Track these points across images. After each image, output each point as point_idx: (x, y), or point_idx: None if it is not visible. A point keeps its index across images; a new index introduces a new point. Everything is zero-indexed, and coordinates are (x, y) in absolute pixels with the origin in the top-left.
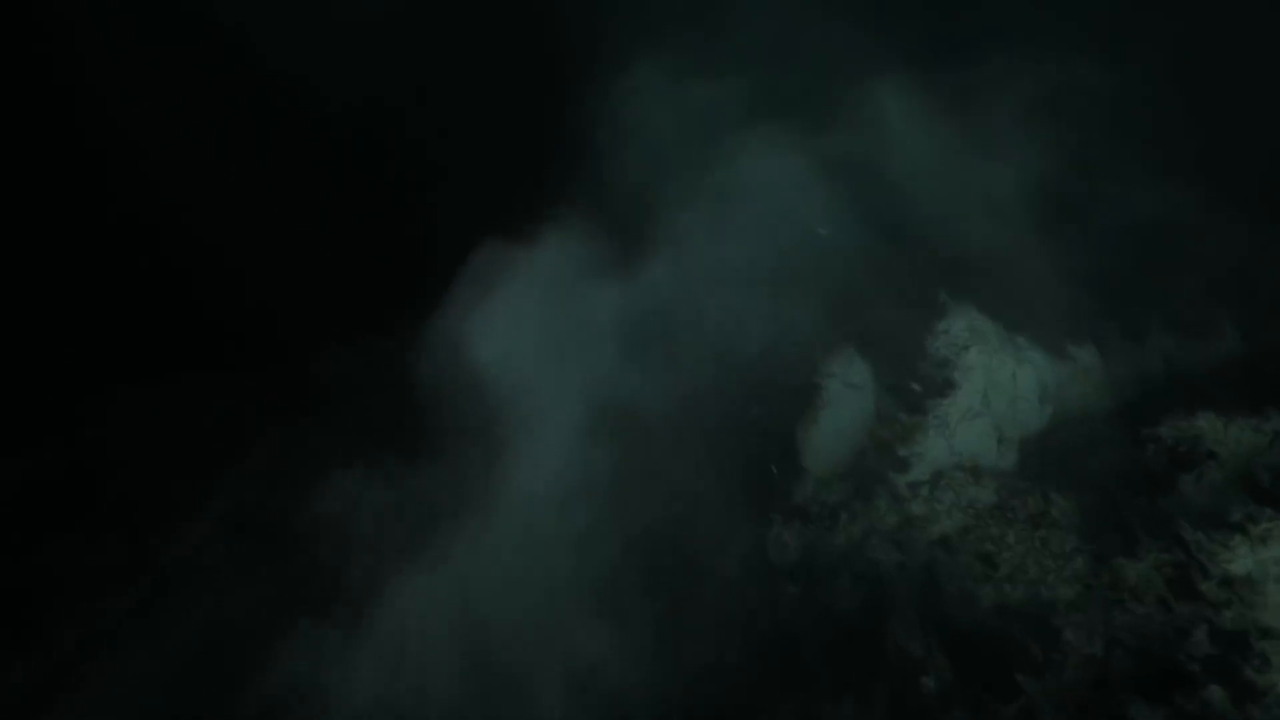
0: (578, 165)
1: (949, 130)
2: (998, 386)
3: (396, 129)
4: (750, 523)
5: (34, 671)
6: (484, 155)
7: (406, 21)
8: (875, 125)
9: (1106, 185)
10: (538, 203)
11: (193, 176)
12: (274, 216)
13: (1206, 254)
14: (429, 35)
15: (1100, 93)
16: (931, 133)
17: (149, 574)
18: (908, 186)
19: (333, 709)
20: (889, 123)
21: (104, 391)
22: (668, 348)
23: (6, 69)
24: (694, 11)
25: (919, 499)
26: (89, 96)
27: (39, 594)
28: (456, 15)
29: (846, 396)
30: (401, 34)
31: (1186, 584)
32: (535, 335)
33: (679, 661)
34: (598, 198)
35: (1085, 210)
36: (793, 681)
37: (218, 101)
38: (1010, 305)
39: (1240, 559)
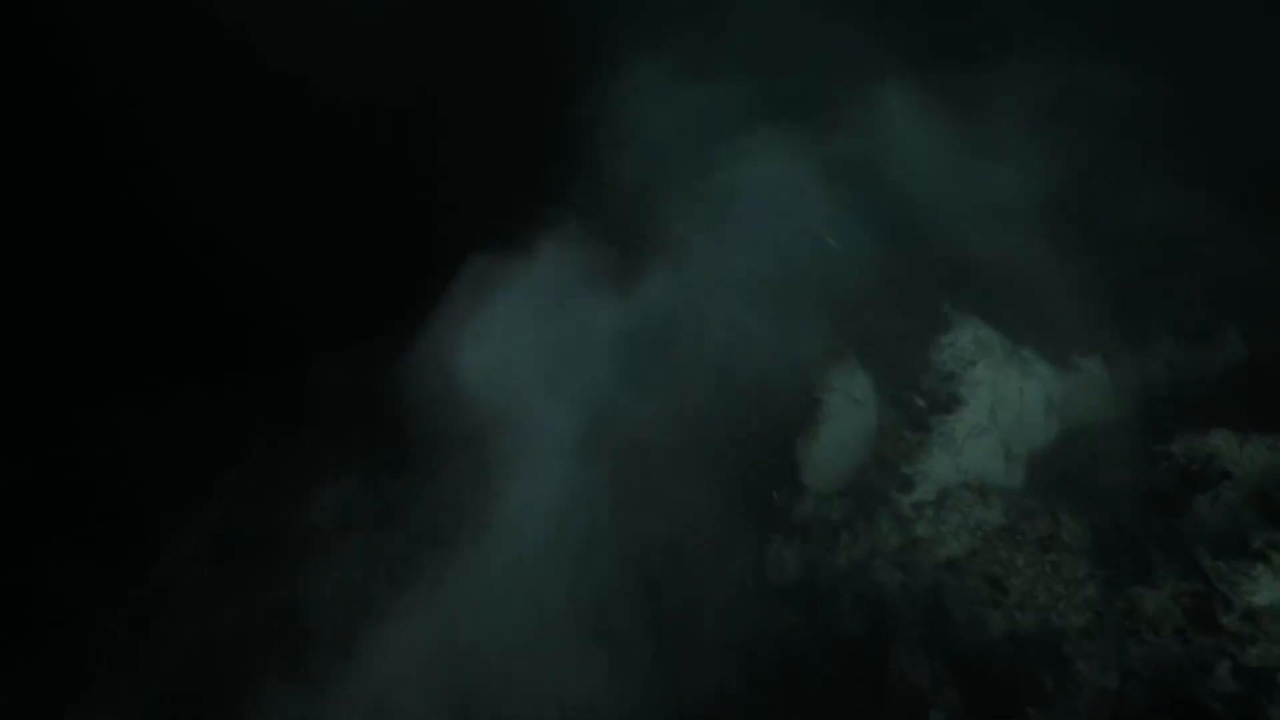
0: (575, 169)
1: (954, 134)
2: (1004, 401)
3: (391, 131)
4: (749, 541)
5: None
6: (480, 159)
7: (402, 21)
8: (879, 129)
9: (1113, 190)
10: (535, 207)
11: (184, 180)
12: (264, 219)
13: (1210, 260)
14: (425, 35)
15: (1108, 96)
16: (936, 137)
17: (129, 597)
18: (911, 192)
19: None
20: (893, 126)
21: (84, 402)
22: (665, 359)
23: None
24: (695, 11)
25: (924, 520)
26: (79, 98)
27: (7, 622)
28: (453, 15)
29: (848, 411)
30: (397, 33)
31: (1207, 616)
32: (530, 345)
33: (677, 692)
34: (596, 202)
35: (1090, 216)
36: (794, 714)
37: (210, 106)
38: (1015, 315)
39: (1264, 590)
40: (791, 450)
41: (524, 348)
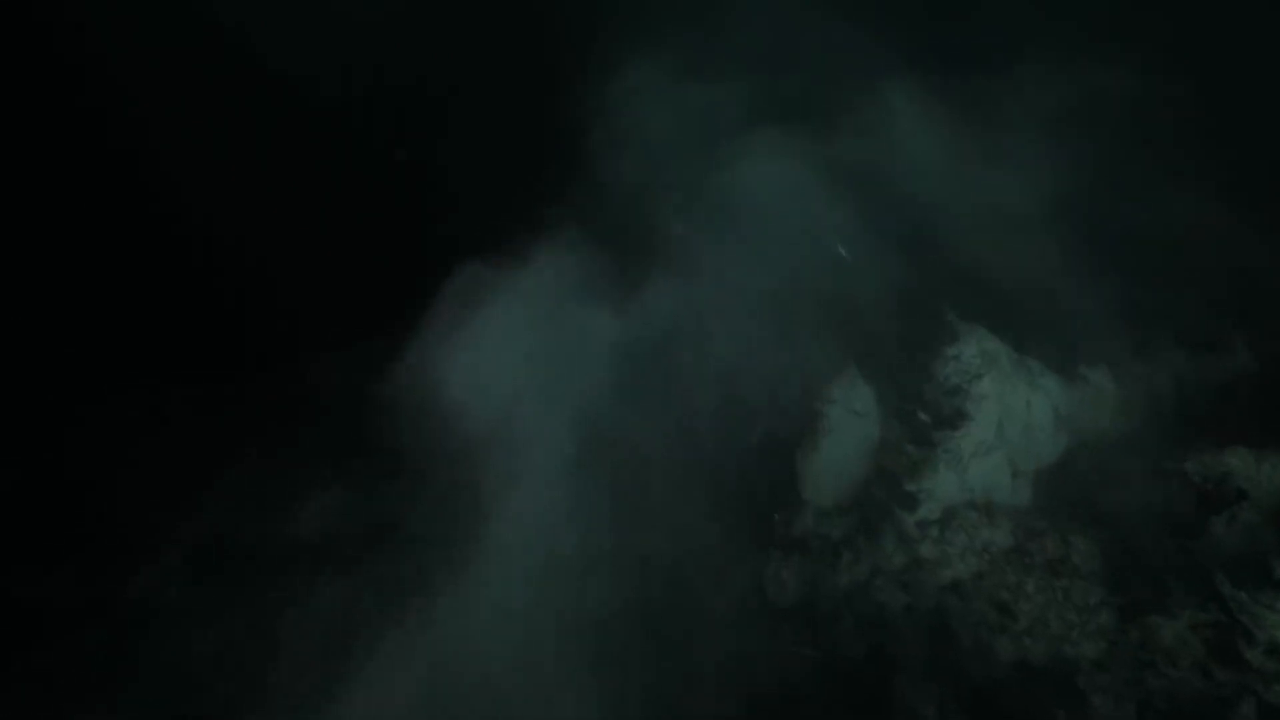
0: (573, 170)
1: (960, 138)
2: (1012, 416)
3: (384, 130)
4: (748, 558)
5: None
6: (476, 159)
7: (397, 17)
8: (884, 131)
9: (1120, 196)
10: (532, 209)
11: (175, 179)
12: (253, 217)
13: (1216, 267)
14: (420, 33)
15: (1118, 100)
16: (942, 140)
17: (104, 615)
18: (916, 197)
19: None
20: (898, 129)
21: (60, 408)
22: (662, 368)
23: None
24: (695, 9)
25: (929, 540)
26: (66, 99)
27: None
28: (449, 12)
29: (849, 424)
30: (391, 31)
31: (1229, 649)
32: (524, 352)
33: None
34: (593, 205)
35: (1096, 222)
36: None
37: (202, 107)
38: (1021, 324)
39: None
40: (791, 464)
41: (517, 355)
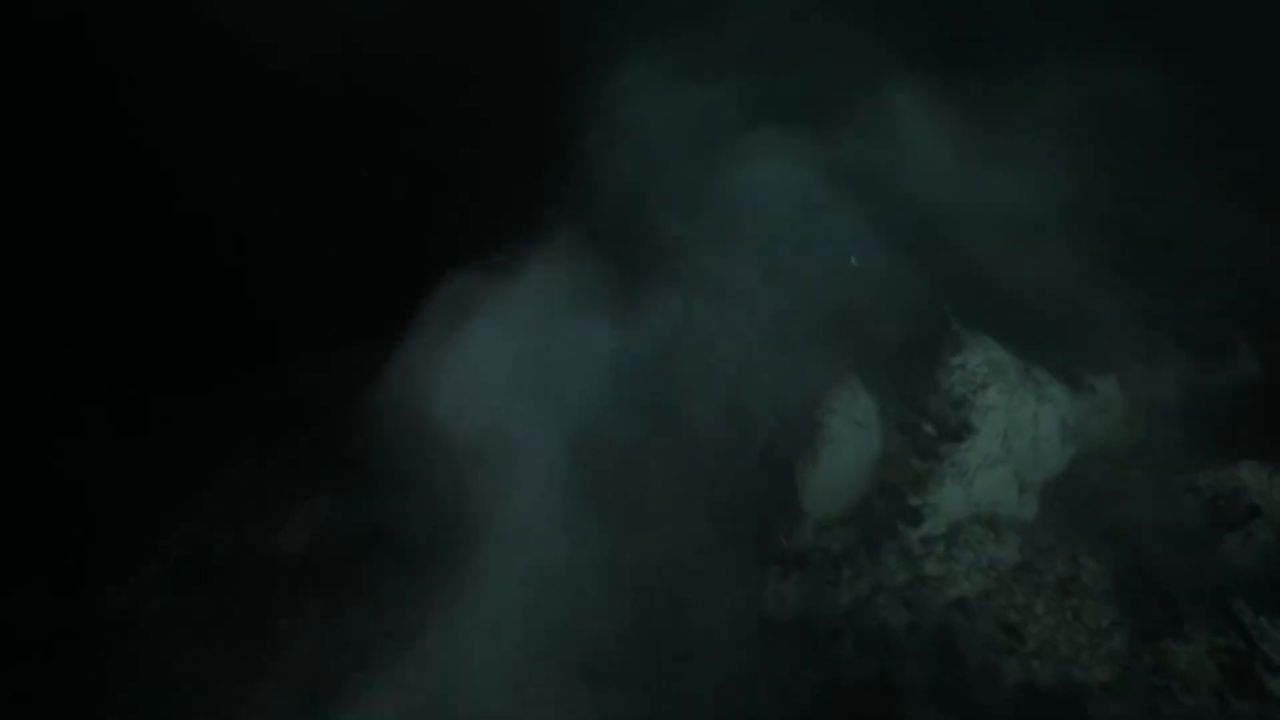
0: (567, 173)
1: (968, 141)
2: (1018, 428)
3: (375, 132)
4: (746, 572)
5: None
6: (470, 160)
7: (389, 16)
8: (888, 133)
9: (1127, 200)
10: (528, 211)
11: (156, 182)
12: (239, 223)
13: (1220, 272)
14: (414, 32)
15: (1128, 105)
16: (949, 143)
17: (85, 630)
18: (921, 201)
19: None
20: (903, 131)
21: (36, 415)
22: (660, 377)
23: None
24: (695, 7)
25: (933, 556)
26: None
27: None
28: (444, 10)
29: (850, 435)
30: (384, 29)
31: (1247, 677)
32: (518, 359)
33: None
34: (588, 208)
35: (1102, 227)
36: None
37: (193, 109)
38: (1027, 333)
39: None
40: (790, 475)
41: (510, 363)
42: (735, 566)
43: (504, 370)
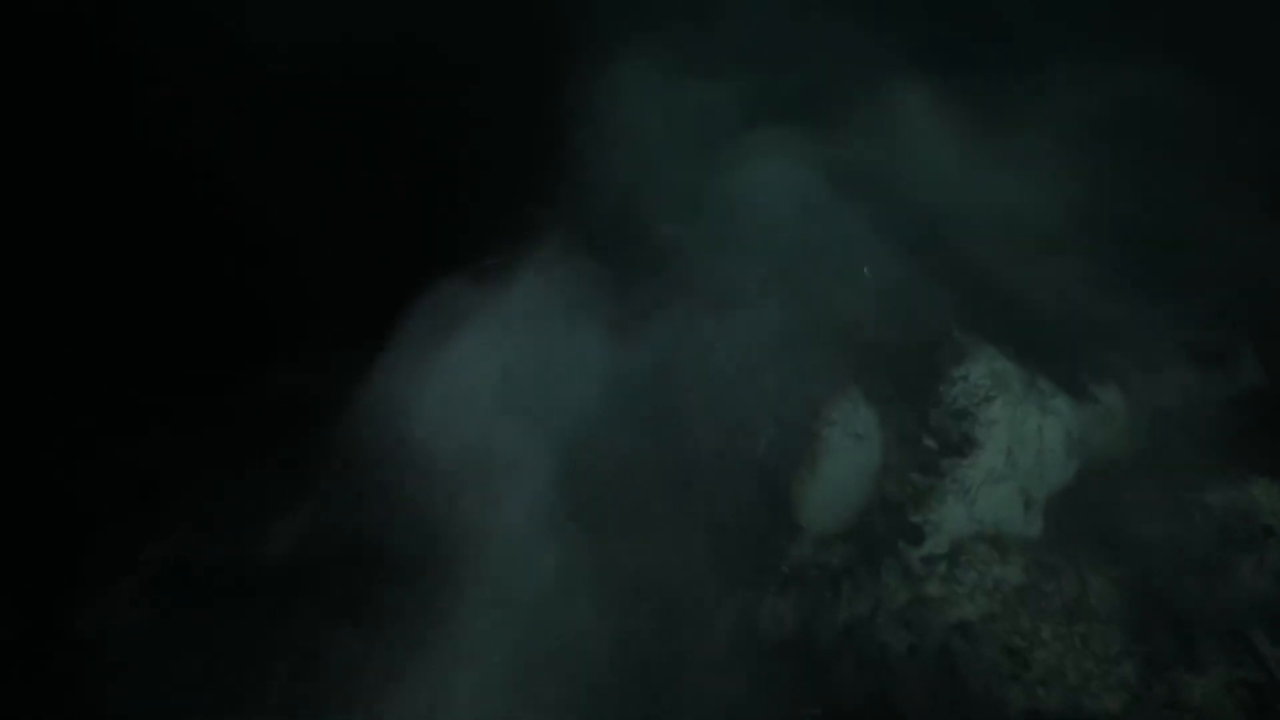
0: (560, 173)
1: (972, 144)
2: (1022, 442)
3: (368, 131)
4: (741, 589)
5: None
6: (463, 160)
7: (382, 14)
8: (892, 136)
9: (1131, 205)
10: (519, 213)
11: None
12: (224, 227)
13: (1226, 276)
14: (406, 31)
15: (1135, 110)
16: (952, 146)
17: (55, 650)
18: (923, 205)
19: None
20: (907, 134)
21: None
22: (651, 385)
23: None
24: (695, 3)
25: (935, 577)
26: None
27: None
28: (437, 8)
29: (849, 447)
30: (377, 27)
31: (1268, 713)
32: (507, 368)
33: None
34: (582, 210)
35: (1107, 231)
36: None
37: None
38: (1030, 341)
39: None
40: (787, 488)
41: (501, 369)
42: (730, 583)
43: (494, 378)
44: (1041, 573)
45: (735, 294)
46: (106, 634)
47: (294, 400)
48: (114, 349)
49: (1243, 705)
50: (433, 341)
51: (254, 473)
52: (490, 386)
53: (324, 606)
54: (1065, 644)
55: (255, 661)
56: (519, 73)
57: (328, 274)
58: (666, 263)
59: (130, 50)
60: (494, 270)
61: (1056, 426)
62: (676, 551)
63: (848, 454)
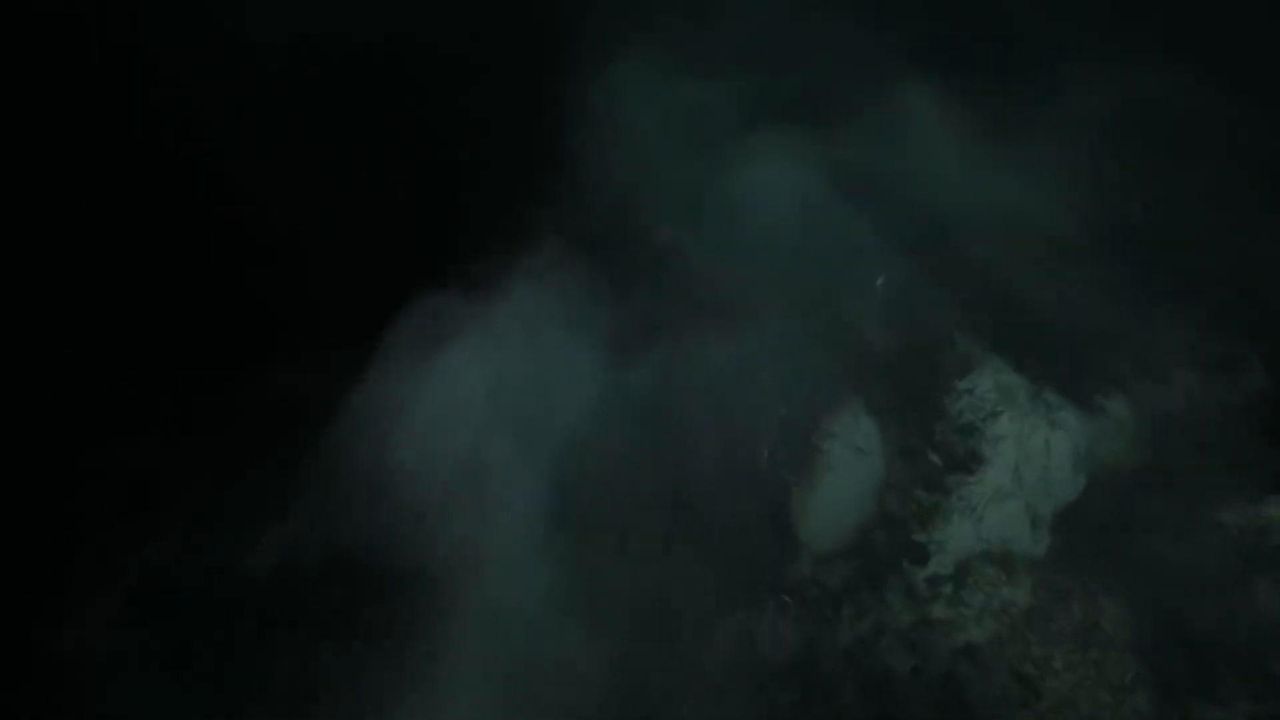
0: (556, 176)
1: (977, 147)
2: (1030, 458)
3: (360, 131)
4: (739, 608)
5: None
6: (457, 162)
7: (376, 12)
8: (896, 137)
9: (1137, 209)
10: (512, 216)
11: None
12: (208, 230)
13: (1227, 279)
14: (400, 29)
15: (1141, 110)
16: (957, 149)
17: (27, 672)
18: (927, 210)
19: None
20: (911, 135)
21: None
22: (646, 397)
23: None
24: (695, 4)
25: (941, 599)
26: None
27: None
28: (432, 7)
29: (851, 462)
30: (370, 25)
31: None
32: (499, 380)
33: None
34: (579, 213)
35: (1111, 236)
36: None
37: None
38: (1035, 350)
39: None
40: (787, 504)
41: (494, 379)
42: (728, 602)
43: (487, 388)
44: (1050, 595)
45: (733, 300)
46: (84, 654)
47: (285, 406)
48: (100, 351)
49: None
50: (426, 349)
51: (241, 482)
52: (483, 397)
53: (312, 624)
54: (1079, 674)
55: (240, 684)
56: (516, 72)
57: (321, 275)
58: (664, 267)
59: (125, 48)
60: (489, 275)
61: (1064, 441)
62: (672, 569)
63: (849, 468)
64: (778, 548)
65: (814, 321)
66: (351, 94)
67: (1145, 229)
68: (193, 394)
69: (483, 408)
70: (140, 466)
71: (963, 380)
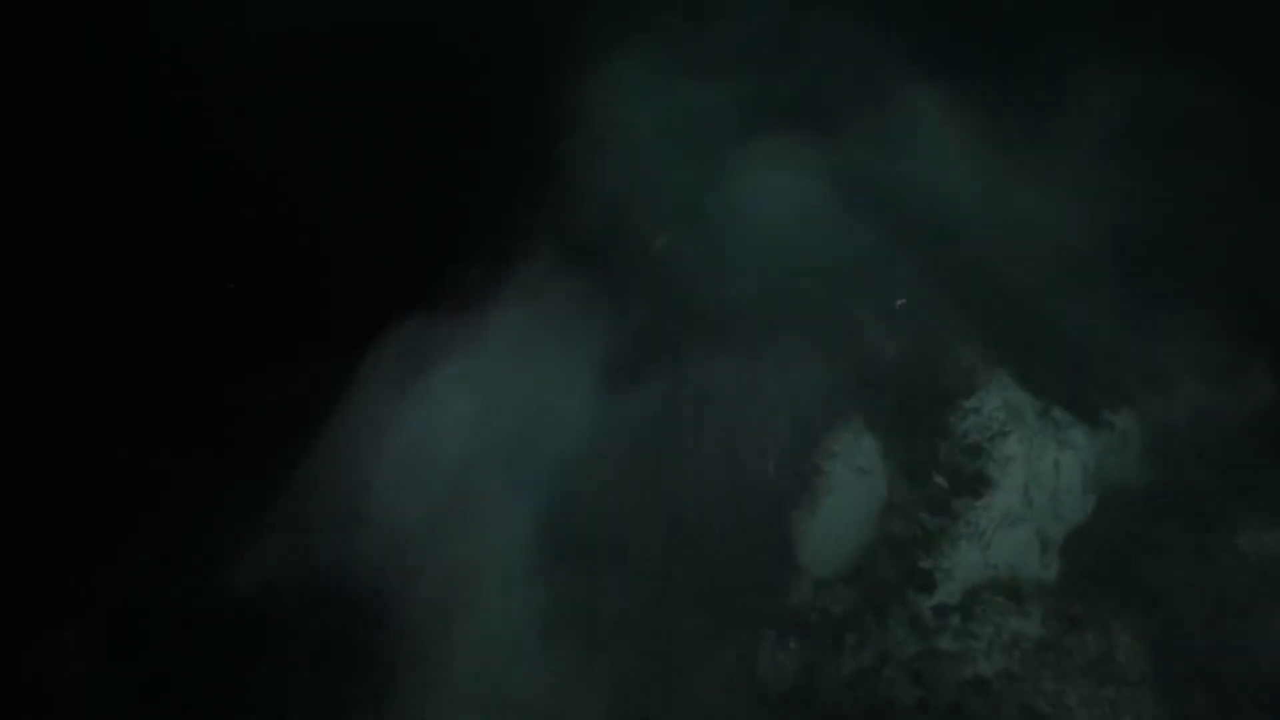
0: (549, 181)
1: (984, 155)
2: (1039, 480)
3: (356, 131)
4: (738, 636)
5: None
6: (453, 163)
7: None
8: (899, 144)
9: (1143, 217)
10: (504, 221)
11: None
12: (194, 233)
13: (1231, 288)
14: (395, 28)
15: (1145, 114)
16: (963, 157)
17: None
18: (931, 219)
19: None
20: (915, 142)
21: None
22: (642, 415)
23: None
24: (694, 4)
25: (948, 631)
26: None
27: None
28: (427, 8)
29: (852, 483)
30: (364, 23)
31: None
32: (488, 397)
33: None
34: (574, 220)
35: (1114, 244)
36: None
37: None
38: (1041, 363)
39: None
40: (787, 526)
41: (485, 397)
42: (727, 629)
43: (478, 407)
44: (1061, 625)
45: (731, 312)
46: (55, 683)
47: (268, 426)
48: (68, 361)
49: None
50: (416, 364)
51: (221, 504)
52: (474, 415)
53: (295, 651)
54: (1094, 713)
55: (217, 714)
56: (513, 72)
57: (309, 287)
58: (660, 278)
59: (120, 47)
60: (482, 286)
61: (1073, 461)
62: (668, 593)
63: (850, 490)
64: (778, 571)
65: (814, 334)
66: (345, 94)
67: (1150, 234)
68: (172, 412)
69: (473, 426)
70: (115, 487)
71: (969, 399)
